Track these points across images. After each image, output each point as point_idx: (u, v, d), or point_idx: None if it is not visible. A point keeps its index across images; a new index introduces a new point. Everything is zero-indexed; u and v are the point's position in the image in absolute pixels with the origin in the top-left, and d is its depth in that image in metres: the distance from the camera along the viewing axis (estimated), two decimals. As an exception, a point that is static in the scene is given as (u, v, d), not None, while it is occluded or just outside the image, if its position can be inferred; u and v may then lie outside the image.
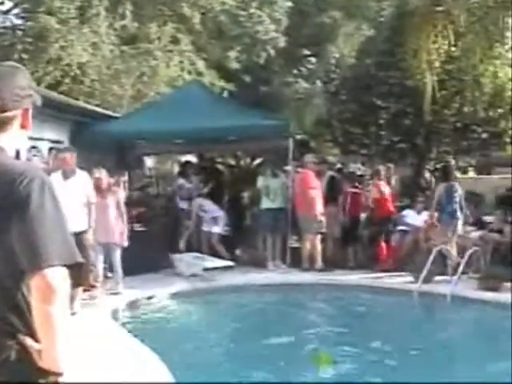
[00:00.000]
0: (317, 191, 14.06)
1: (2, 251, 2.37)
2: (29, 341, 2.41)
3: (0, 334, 2.40)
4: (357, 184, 15.19)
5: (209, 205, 14.74)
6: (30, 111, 2.66)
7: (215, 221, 14.59)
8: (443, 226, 13.08)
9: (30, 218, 2.35)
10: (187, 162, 17.42)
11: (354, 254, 14.72)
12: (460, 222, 13.04)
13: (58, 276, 2.35)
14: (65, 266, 2.39)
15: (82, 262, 2.51)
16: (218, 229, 14.52)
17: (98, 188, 10.70)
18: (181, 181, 15.68)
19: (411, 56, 14.33)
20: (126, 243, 11.18)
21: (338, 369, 7.85)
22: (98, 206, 10.37)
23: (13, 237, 2.35)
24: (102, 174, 10.98)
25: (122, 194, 11.62)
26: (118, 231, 11.05)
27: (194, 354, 8.50)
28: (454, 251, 12.64)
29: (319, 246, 14.01)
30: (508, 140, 15.80)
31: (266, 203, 14.58)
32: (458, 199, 13.09)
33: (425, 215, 14.34)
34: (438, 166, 16.98)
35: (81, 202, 9.89)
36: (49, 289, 2.33)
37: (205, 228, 14.60)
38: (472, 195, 16.99)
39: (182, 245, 14.45)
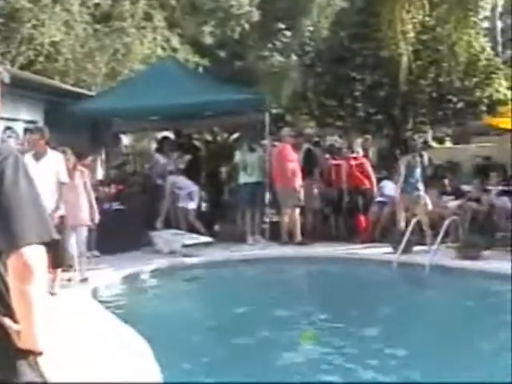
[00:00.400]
0: (294, 164, 14.07)
1: None
2: (7, 321, 2.39)
3: None
4: (335, 156, 15.26)
5: (183, 181, 14.66)
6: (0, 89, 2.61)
7: (190, 197, 14.53)
8: (405, 197, 13.18)
9: (4, 196, 2.32)
10: (164, 138, 17.32)
11: (335, 227, 14.78)
12: (421, 194, 13.13)
13: (34, 254, 2.33)
14: (41, 243, 2.36)
15: (58, 238, 2.48)
16: (193, 204, 14.46)
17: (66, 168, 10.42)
18: (157, 157, 15.60)
19: (386, 26, 14.27)
20: (91, 224, 10.96)
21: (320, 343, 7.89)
22: (66, 186, 10.16)
23: None
24: (68, 154, 10.60)
25: (87, 174, 11.16)
26: (85, 212, 10.76)
27: (176, 330, 8.48)
28: (424, 221, 12.75)
29: (298, 220, 14.03)
30: (484, 109, 15.81)
31: (243, 178, 14.56)
32: (418, 171, 13.19)
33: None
34: (415, 136, 17.02)
35: (53, 183, 9.78)
36: (26, 268, 2.30)
37: (180, 204, 14.55)
38: (449, 164, 17.09)
39: (159, 223, 14.40)
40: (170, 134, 18.42)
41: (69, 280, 10.36)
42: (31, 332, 2.37)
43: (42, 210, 2.45)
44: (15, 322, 2.39)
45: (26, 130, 13.29)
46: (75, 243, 10.49)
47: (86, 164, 12.61)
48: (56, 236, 2.46)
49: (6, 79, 2.66)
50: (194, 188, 14.64)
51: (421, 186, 13.17)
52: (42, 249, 2.37)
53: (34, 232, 2.34)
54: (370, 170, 14.86)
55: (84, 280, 10.51)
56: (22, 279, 2.30)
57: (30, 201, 2.38)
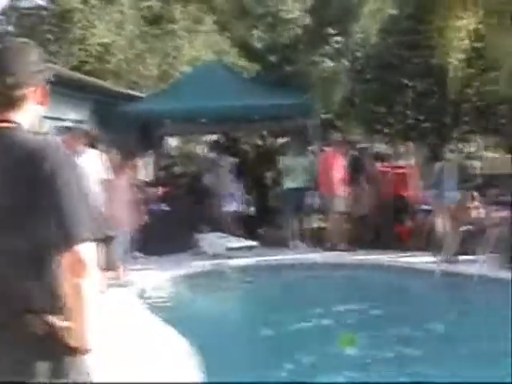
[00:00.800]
0: (340, 171, 14.01)
1: (31, 228, 2.36)
2: (55, 319, 2.41)
3: (28, 311, 2.40)
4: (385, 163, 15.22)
5: (228, 184, 14.72)
6: (47, 87, 2.65)
7: (233, 199, 14.56)
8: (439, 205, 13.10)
9: (57, 195, 2.35)
10: (216, 142, 17.44)
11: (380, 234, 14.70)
12: (447, 201, 13.02)
13: (88, 251, 2.37)
14: (95, 240, 2.41)
15: (112, 235, 2.53)
16: (234, 207, 14.48)
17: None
18: (212, 156, 15.61)
19: (438, 34, 14.19)
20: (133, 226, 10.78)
21: (360, 349, 7.85)
22: (109, 185, 10.11)
23: (41, 213, 2.35)
24: (112, 153, 10.63)
25: (132, 176, 11.11)
26: (127, 213, 10.46)
27: (218, 333, 8.52)
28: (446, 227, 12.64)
29: (343, 226, 13.96)
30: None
31: (287, 183, 14.55)
32: (452, 179, 13.10)
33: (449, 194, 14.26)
34: (460, 145, 16.89)
35: (93, 182, 9.75)
36: (80, 264, 2.35)
37: (224, 207, 14.60)
38: (499, 175, 16.87)
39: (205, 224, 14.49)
40: (217, 138, 18.52)
41: (114, 279, 10.44)
42: (83, 328, 2.40)
43: (94, 208, 2.49)
44: (65, 319, 2.41)
45: (69, 129, 13.46)
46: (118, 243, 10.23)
47: (134, 165, 12.71)
48: (110, 233, 2.51)
49: (51, 77, 2.69)
50: (238, 192, 14.67)
51: (451, 194, 13.01)
52: (94, 246, 2.41)
53: (87, 229, 2.37)
54: (413, 179, 14.72)
55: (127, 282, 10.48)
56: (77, 275, 2.34)
57: (82, 199, 2.41)
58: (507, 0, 13.32)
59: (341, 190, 13.90)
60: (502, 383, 6.27)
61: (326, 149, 14.78)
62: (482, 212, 13.45)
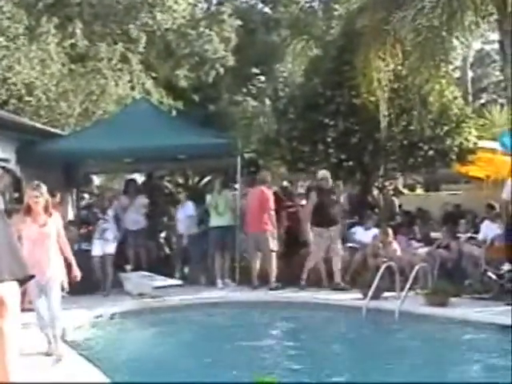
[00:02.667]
0: (270, 208, 14.08)
1: None
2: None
3: None
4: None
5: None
6: None
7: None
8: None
9: None
10: (130, 180, 17.30)
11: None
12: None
13: (9, 291, 2.32)
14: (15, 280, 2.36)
15: (33, 275, 2.50)
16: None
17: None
18: (123, 199, 15.45)
19: (360, 74, 14.46)
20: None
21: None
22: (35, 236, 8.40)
23: None
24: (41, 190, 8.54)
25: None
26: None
27: (145, 373, 8.42)
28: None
29: (274, 264, 13.97)
30: (454, 157, 15.97)
31: (214, 221, 14.56)
32: None
33: (373, 232, 14.49)
34: (386, 183, 17.17)
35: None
36: (1, 305, 2.30)
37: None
38: (420, 211, 17.22)
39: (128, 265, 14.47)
40: (141, 177, 18.43)
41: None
42: (5, 369, 2.34)
43: (15, 248, 2.44)
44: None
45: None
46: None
47: (56, 203, 12.56)
48: (30, 272, 2.47)
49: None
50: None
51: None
52: (16, 285, 2.36)
53: (8, 269, 2.33)
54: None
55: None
56: None
57: (4, 239, 2.38)
58: (425, 41, 13.71)
59: (271, 228, 13.96)
60: (502, 383, 6.34)
61: (255, 187, 14.70)
62: (397, 249, 13.73)
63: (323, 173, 14.34)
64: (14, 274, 2.36)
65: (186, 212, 15.04)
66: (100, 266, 13.55)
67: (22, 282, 2.42)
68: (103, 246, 13.64)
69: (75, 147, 14.71)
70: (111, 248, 13.72)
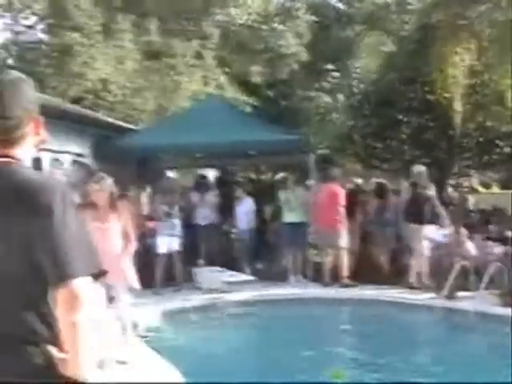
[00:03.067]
0: (342, 206, 13.98)
1: (28, 263, 2.39)
2: (53, 350, 2.42)
3: (29, 342, 2.42)
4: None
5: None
6: (42, 119, 2.66)
7: None
8: None
9: (52, 230, 2.37)
10: (202, 177, 17.36)
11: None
12: None
13: (83, 286, 2.38)
14: (90, 275, 2.43)
15: (107, 270, 2.54)
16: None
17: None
18: (194, 195, 15.49)
19: (436, 70, 14.25)
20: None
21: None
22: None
23: (37, 249, 2.37)
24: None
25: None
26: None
27: (215, 367, 8.46)
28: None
29: (345, 261, 13.89)
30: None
31: (287, 217, 14.53)
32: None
33: (448, 230, 14.26)
34: (460, 180, 16.90)
35: None
36: (75, 299, 2.36)
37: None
38: (495, 210, 16.88)
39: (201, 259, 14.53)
40: (215, 172, 18.51)
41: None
42: (77, 361, 2.39)
43: (89, 243, 2.50)
44: (61, 351, 2.42)
45: (74, 162, 13.51)
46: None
47: (128, 198, 12.78)
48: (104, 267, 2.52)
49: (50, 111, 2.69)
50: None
51: None
52: (90, 280, 2.42)
53: (81, 265, 2.39)
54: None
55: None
56: (71, 310, 2.35)
57: (78, 234, 2.43)
58: (501, 36, 13.43)
59: (343, 226, 13.86)
60: (503, 383, 6.22)
61: (327, 184, 14.59)
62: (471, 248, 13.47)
63: (418, 168, 13.93)
64: (87, 269, 2.42)
65: (245, 208, 15.04)
66: (167, 262, 13.41)
67: (97, 277, 2.48)
68: (170, 242, 13.48)
69: (149, 142, 14.86)
70: (177, 244, 13.55)
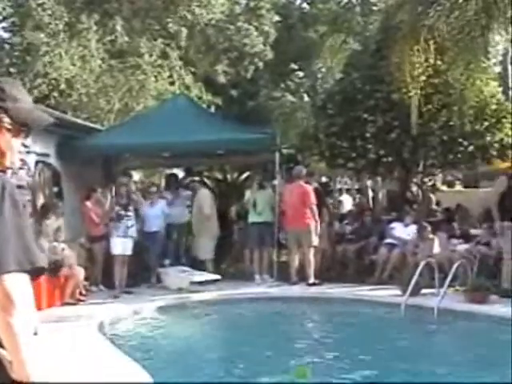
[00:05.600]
0: (311, 204, 14.01)
1: None
2: (2, 352, 2.37)
3: None
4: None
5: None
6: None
7: None
8: None
9: None
10: (172, 175, 17.37)
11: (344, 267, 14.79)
12: None
13: (15, 282, 2.30)
14: (24, 271, 2.34)
15: (43, 266, 2.46)
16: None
17: None
18: (167, 195, 15.51)
19: (395, 69, 14.33)
20: None
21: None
22: None
23: None
24: None
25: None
26: None
27: (181, 367, 8.46)
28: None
29: (312, 260, 13.94)
30: (494, 153, 15.79)
31: (252, 217, 14.56)
32: None
33: (412, 228, 14.40)
34: (425, 179, 17.04)
35: None
36: (6, 296, 2.28)
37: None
38: (459, 208, 17.07)
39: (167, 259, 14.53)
40: (180, 172, 18.48)
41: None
42: (21, 363, 2.33)
43: (27, 239, 2.41)
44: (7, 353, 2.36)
45: (37, 163, 13.41)
46: None
47: (97, 199, 12.79)
48: (41, 264, 2.44)
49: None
50: None
51: None
52: (25, 276, 2.34)
53: (15, 260, 2.31)
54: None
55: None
56: (4, 308, 2.28)
57: (15, 229, 2.36)
58: (461, 35, 13.57)
59: (312, 224, 13.91)
60: (502, 383, 6.29)
61: (296, 183, 14.60)
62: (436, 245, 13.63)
63: None
64: (21, 264, 2.33)
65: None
66: (123, 264, 13.14)
67: (33, 274, 2.39)
68: (124, 245, 13.17)
69: (114, 142, 14.79)
70: (130, 247, 13.26)
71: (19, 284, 2.32)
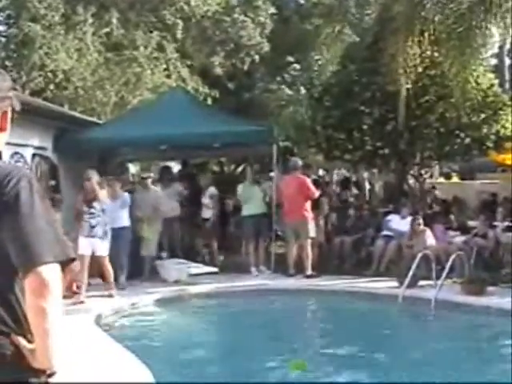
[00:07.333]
0: (308, 196, 14.01)
1: None
2: (21, 340, 2.40)
3: None
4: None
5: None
6: (9, 114, 2.63)
7: None
8: None
9: (20, 218, 2.35)
10: (165, 168, 17.35)
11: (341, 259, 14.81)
12: None
13: (51, 273, 2.35)
14: (58, 262, 2.40)
15: (75, 257, 2.53)
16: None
17: None
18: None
19: (390, 61, 14.32)
20: None
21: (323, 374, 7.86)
22: None
23: (4, 237, 2.35)
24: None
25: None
26: None
27: (180, 360, 8.48)
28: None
29: (310, 252, 13.94)
30: (490, 145, 15.80)
31: (246, 210, 14.56)
32: None
33: (409, 220, 14.40)
34: (422, 171, 17.05)
35: None
36: (43, 286, 2.32)
37: None
38: (456, 200, 17.10)
39: (164, 252, 14.52)
40: (177, 165, 18.47)
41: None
42: (45, 350, 2.37)
43: (57, 231, 2.48)
44: (29, 341, 2.40)
45: (34, 156, 13.39)
46: None
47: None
48: (73, 255, 2.50)
49: (17, 107, 2.68)
50: None
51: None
52: (58, 267, 2.39)
53: (50, 251, 2.36)
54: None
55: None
56: (39, 297, 2.32)
57: (46, 222, 2.42)
58: (456, 27, 13.57)
59: (309, 216, 13.92)
60: (502, 383, 6.31)
61: (293, 175, 14.57)
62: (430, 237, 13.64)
63: None
64: (56, 256, 2.39)
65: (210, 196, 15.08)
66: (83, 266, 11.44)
67: (64, 264, 2.45)
68: (93, 245, 11.72)
69: (111, 135, 14.77)
70: (103, 247, 11.87)
71: (55, 274, 2.37)
